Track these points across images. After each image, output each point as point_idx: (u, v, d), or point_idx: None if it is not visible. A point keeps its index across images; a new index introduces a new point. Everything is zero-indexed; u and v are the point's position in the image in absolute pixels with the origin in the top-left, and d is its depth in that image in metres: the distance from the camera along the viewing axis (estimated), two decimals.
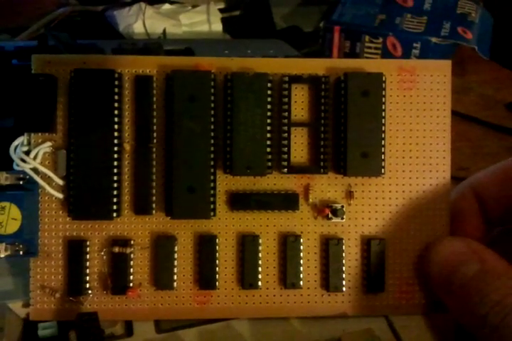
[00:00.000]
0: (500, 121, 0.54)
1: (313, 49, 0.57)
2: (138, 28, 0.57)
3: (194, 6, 0.60)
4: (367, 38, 0.56)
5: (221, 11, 0.61)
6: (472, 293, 0.25)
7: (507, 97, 0.57)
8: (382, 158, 0.29)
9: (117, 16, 0.58)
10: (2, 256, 0.28)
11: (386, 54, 0.55)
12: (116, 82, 0.28)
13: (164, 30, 0.57)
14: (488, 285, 0.25)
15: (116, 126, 0.28)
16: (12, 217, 0.28)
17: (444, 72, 0.30)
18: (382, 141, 0.29)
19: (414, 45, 0.54)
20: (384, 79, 0.29)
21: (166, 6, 0.60)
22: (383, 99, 0.29)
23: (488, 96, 0.57)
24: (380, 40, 0.55)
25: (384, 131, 0.29)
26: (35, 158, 0.28)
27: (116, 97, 0.28)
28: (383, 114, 0.29)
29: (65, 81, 0.28)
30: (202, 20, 0.60)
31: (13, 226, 0.28)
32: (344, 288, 0.29)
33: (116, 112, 0.28)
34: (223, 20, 0.60)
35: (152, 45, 0.43)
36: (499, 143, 0.51)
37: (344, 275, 0.29)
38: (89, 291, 0.29)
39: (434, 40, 0.54)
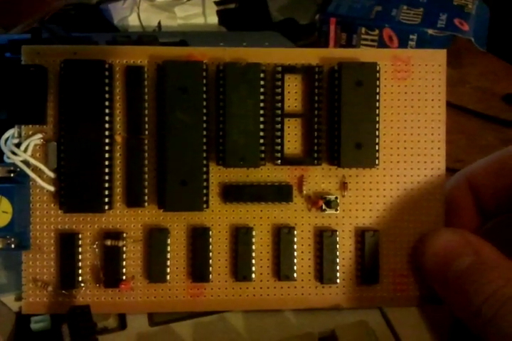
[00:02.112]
0: (496, 113, 0.53)
1: (310, 41, 0.56)
2: (133, 20, 0.56)
3: None
4: (363, 29, 0.55)
5: (216, 3, 0.61)
6: (466, 284, 0.25)
7: (503, 89, 0.56)
8: (377, 148, 0.28)
9: (112, 9, 0.57)
10: None
11: (382, 46, 0.55)
12: (107, 73, 0.28)
13: (159, 23, 0.56)
14: (482, 277, 0.25)
15: (107, 118, 0.28)
16: (3, 210, 0.28)
17: (439, 62, 0.30)
18: (377, 132, 0.28)
19: (411, 36, 0.54)
20: (378, 68, 0.28)
21: None
22: (377, 89, 0.28)
23: (484, 88, 0.57)
24: (377, 32, 0.55)
25: (378, 122, 0.28)
26: (25, 150, 0.28)
27: (106, 88, 0.28)
28: (377, 104, 0.28)
29: (55, 72, 0.28)
30: (197, 13, 0.59)
31: (4, 220, 0.28)
32: (338, 280, 0.29)
33: (107, 103, 0.28)
34: (219, 13, 0.60)
35: (147, 38, 0.43)
36: (495, 135, 0.51)
37: (338, 267, 0.29)
38: (82, 284, 0.28)
39: (430, 31, 0.54)
